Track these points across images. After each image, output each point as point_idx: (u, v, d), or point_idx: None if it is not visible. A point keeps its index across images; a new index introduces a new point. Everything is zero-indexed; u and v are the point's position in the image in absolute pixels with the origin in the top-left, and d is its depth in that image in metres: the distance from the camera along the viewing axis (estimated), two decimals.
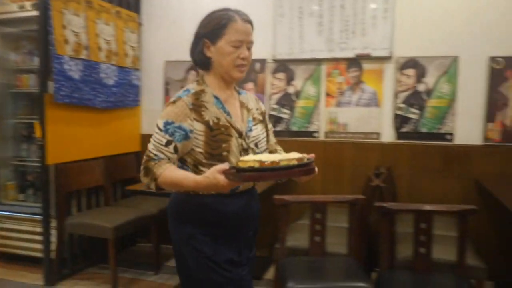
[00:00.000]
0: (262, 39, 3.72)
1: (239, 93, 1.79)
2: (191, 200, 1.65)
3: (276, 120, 3.72)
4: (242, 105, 1.74)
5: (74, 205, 3.48)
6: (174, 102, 1.62)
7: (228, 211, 1.65)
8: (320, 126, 3.65)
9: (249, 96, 1.82)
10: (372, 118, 3.53)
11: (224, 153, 1.59)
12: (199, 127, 1.59)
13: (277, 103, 3.73)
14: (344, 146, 3.57)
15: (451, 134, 3.38)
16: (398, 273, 2.31)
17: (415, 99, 3.42)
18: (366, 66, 3.52)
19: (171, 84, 4.04)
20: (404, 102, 3.44)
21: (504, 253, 3.32)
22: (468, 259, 2.29)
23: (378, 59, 3.48)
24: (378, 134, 3.53)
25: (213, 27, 1.63)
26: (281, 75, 3.72)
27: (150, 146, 1.61)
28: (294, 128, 3.70)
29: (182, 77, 3.99)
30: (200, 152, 1.60)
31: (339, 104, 3.60)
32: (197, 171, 1.61)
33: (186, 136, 1.58)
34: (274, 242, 2.66)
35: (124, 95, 3.81)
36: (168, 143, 1.57)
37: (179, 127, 1.57)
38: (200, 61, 1.70)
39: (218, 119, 1.62)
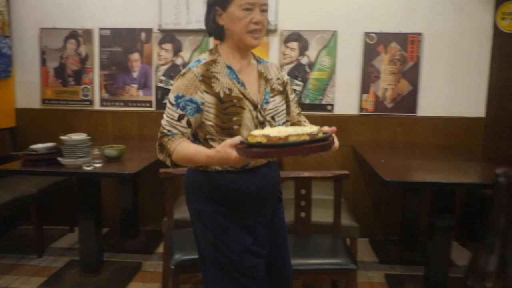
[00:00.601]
0: (147, 8, 3.58)
1: (258, 62, 1.68)
2: (201, 176, 1.57)
3: (164, 92, 3.65)
4: (260, 75, 1.64)
5: None
6: (183, 74, 1.53)
7: (237, 189, 1.55)
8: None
9: (270, 65, 1.71)
10: None
11: (235, 127, 1.51)
12: (209, 99, 1.51)
13: (165, 75, 3.65)
14: None
15: (331, 105, 3.60)
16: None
17: (299, 71, 3.57)
18: None
19: (48, 53, 3.72)
20: (289, 74, 3.57)
21: (377, 213, 3.67)
22: (342, 220, 2.49)
23: None
24: None
25: None
26: (168, 46, 3.62)
27: (163, 122, 1.54)
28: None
29: (60, 46, 3.70)
30: (210, 126, 1.52)
31: None
32: (208, 146, 1.53)
33: (198, 109, 1.51)
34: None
35: None
36: (180, 117, 1.50)
37: (190, 100, 1.49)
38: (214, 31, 1.59)
39: (230, 90, 1.53)
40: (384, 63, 3.52)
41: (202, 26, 3.66)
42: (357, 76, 3.56)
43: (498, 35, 3.45)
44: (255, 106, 1.55)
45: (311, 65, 3.55)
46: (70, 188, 3.59)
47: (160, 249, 3.35)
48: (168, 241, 2.39)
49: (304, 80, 3.56)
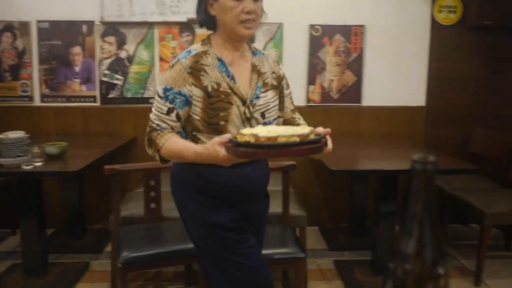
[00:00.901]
0: (88, 0, 3.46)
1: (254, 53, 1.60)
2: (187, 169, 1.54)
3: (109, 86, 3.54)
4: (253, 68, 1.57)
5: None
6: (172, 66, 1.49)
7: (221, 182, 1.52)
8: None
9: (265, 58, 1.63)
10: None
11: (222, 122, 1.47)
12: (197, 92, 1.46)
13: (109, 69, 3.54)
14: None
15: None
16: None
17: None
18: (198, 30, 3.53)
19: None
20: None
21: (326, 202, 3.75)
22: (291, 210, 2.53)
23: None
24: None
25: None
26: (111, 39, 3.51)
27: (152, 116, 1.50)
28: (129, 95, 3.57)
29: None
30: (197, 120, 1.48)
31: None
32: (195, 140, 1.51)
33: (187, 102, 1.47)
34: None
35: None
36: (169, 111, 1.46)
37: (179, 93, 1.45)
38: (205, 21, 1.53)
39: (218, 84, 1.48)
40: (329, 54, 3.58)
41: (146, 18, 3.63)
42: (304, 68, 3.61)
43: (436, 27, 3.60)
44: (243, 102, 1.50)
45: None
46: (9, 189, 3.42)
47: (109, 247, 3.26)
48: (116, 239, 2.34)
49: None
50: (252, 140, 1.19)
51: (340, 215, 3.75)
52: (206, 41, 1.54)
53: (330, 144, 1.33)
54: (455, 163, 2.89)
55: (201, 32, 3.52)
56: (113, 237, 2.46)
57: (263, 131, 1.21)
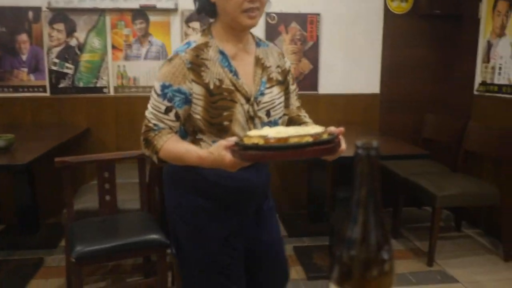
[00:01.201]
0: None
1: (257, 45, 1.46)
2: (183, 167, 1.39)
3: (59, 75, 3.40)
4: (257, 61, 1.43)
5: None
6: (170, 60, 1.34)
7: (222, 184, 1.41)
8: (109, 81, 3.48)
9: (270, 50, 1.49)
10: None
11: (226, 123, 1.35)
12: (197, 90, 1.33)
13: (58, 57, 3.40)
14: (136, 101, 3.49)
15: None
16: None
17: None
18: (153, 18, 3.44)
19: None
20: None
21: (285, 189, 3.78)
22: None
23: (164, 11, 3.43)
24: None
25: None
26: (60, 26, 3.37)
27: (149, 115, 1.36)
28: (81, 84, 3.45)
29: None
30: (198, 119, 1.36)
31: (127, 58, 3.46)
32: (197, 141, 1.38)
33: (186, 100, 1.34)
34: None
35: None
36: (167, 110, 1.33)
37: (178, 91, 1.32)
38: (204, 9, 1.38)
39: (221, 81, 1.35)
40: (285, 43, 3.59)
41: (97, 4, 3.51)
42: None
43: (388, 16, 3.67)
44: (247, 99, 1.38)
45: None
46: None
47: (64, 242, 3.17)
48: (69, 233, 2.26)
49: None
50: (261, 142, 1.09)
51: (299, 202, 3.80)
52: (207, 31, 1.40)
53: (343, 144, 1.21)
54: (408, 148, 2.97)
55: (156, 19, 3.44)
56: (66, 232, 2.38)
57: (272, 132, 1.12)
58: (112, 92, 3.49)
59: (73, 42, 3.38)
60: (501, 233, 3.11)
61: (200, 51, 1.35)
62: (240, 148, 1.14)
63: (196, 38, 1.38)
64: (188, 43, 1.36)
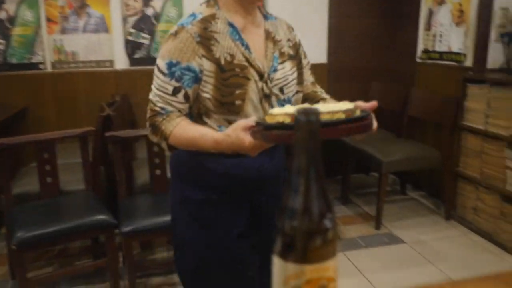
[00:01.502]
0: None
1: (265, 18, 1.33)
2: (190, 158, 1.29)
3: None
4: (268, 35, 1.30)
5: None
6: (175, 33, 1.20)
7: (233, 175, 1.28)
8: (46, 56, 3.27)
9: (278, 23, 1.36)
10: (103, 45, 3.34)
11: (238, 102, 1.22)
12: (208, 66, 1.20)
13: None
14: (76, 77, 3.32)
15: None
16: (137, 197, 2.36)
17: (145, 23, 3.37)
18: None
19: None
20: (134, 27, 3.35)
21: None
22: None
23: None
24: (111, 61, 3.38)
25: None
26: None
27: (154, 98, 1.22)
28: (14, 61, 3.22)
29: None
30: (207, 99, 1.22)
31: (64, 31, 3.26)
32: (202, 122, 1.25)
33: (196, 79, 1.20)
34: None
35: None
36: (176, 90, 1.20)
37: (187, 68, 1.19)
38: None
39: (232, 56, 1.22)
40: None
41: None
42: None
43: None
44: (261, 76, 1.26)
45: (158, 17, 3.38)
46: None
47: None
48: (8, 219, 2.14)
49: (151, 33, 3.39)
50: (287, 120, 0.97)
51: None
52: (212, 2, 1.27)
53: (375, 123, 1.10)
54: None
55: None
56: (5, 218, 2.26)
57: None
58: (49, 68, 3.29)
59: (2, 15, 3.14)
60: (443, 194, 3.27)
61: (208, 23, 1.22)
62: (262, 128, 1.02)
63: (201, 10, 1.25)
64: (193, 15, 1.23)
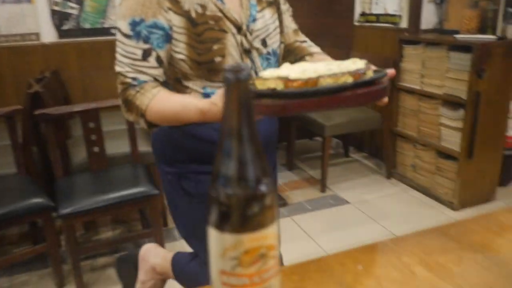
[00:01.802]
0: None
1: None
2: (177, 130, 1.16)
3: None
4: None
5: None
6: None
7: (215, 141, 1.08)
8: None
9: None
10: (27, 16, 3.09)
11: (218, 59, 1.07)
12: (177, 21, 1.05)
13: None
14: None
15: (115, 27, 3.31)
16: (75, 177, 2.24)
17: None
18: None
19: None
20: None
21: None
22: (140, 147, 2.40)
23: None
24: (37, 34, 3.14)
25: None
26: None
27: (122, 68, 1.04)
28: None
29: None
30: (181, 60, 1.07)
31: None
32: (182, 91, 1.10)
33: (167, 37, 1.05)
34: None
35: None
36: (146, 54, 1.03)
37: (154, 25, 1.03)
38: None
39: (204, 7, 1.07)
40: None
41: None
42: None
43: None
44: (239, 28, 1.11)
45: None
46: None
47: None
48: None
49: (80, 2, 3.17)
50: (280, 86, 0.78)
51: None
52: None
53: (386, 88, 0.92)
54: None
55: None
56: None
57: (295, 72, 0.80)
58: None
59: None
60: (383, 154, 3.37)
61: None
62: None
63: None
64: None
